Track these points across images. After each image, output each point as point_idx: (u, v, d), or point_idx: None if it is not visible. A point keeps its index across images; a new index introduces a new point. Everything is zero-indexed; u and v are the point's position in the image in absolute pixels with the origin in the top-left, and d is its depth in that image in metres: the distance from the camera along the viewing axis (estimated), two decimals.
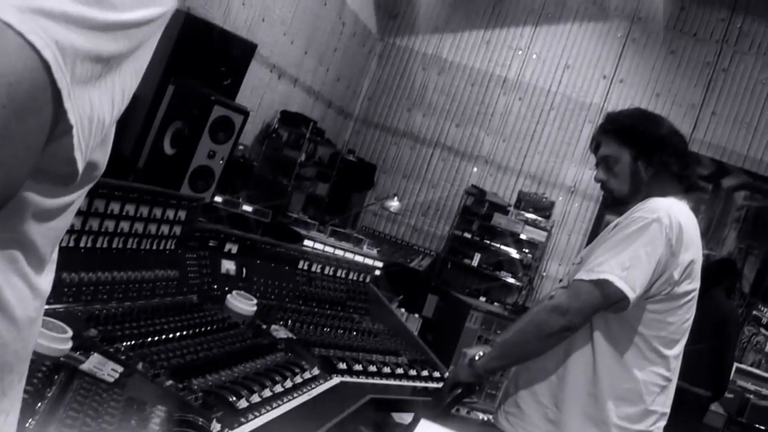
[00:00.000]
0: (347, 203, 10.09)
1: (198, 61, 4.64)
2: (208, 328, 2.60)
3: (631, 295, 2.34)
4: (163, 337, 2.33)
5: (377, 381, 2.92)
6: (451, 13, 11.06)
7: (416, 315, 5.79)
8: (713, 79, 10.11)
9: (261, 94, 8.18)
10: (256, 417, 2.07)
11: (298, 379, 2.45)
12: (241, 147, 7.33)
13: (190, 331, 2.48)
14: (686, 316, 2.54)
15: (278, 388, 2.29)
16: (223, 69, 4.83)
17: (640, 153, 2.59)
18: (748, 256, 9.85)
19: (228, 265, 3.21)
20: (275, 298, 3.30)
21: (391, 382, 2.98)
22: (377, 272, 5.93)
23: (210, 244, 3.18)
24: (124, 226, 2.59)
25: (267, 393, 2.21)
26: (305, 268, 3.58)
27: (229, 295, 2.98)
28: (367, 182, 10.57)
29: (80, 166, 0.73)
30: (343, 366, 2.81)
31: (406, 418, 3.44)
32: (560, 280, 3.05)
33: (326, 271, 3.68)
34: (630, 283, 2.34)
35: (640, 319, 2.47)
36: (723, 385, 5.92)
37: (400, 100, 11.18)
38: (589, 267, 2.43)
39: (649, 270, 2.37)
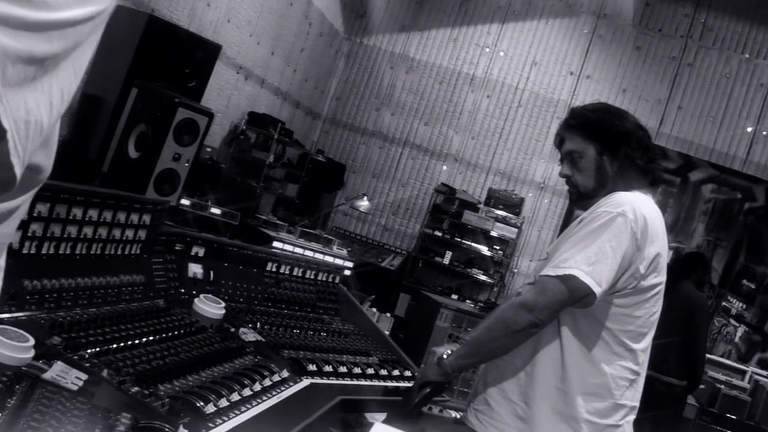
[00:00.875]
0: (317, 204, 10.06)
1: (162, 63, 4.60)
2: (175, 332, 2.57)
3: (597, 290, 2.34)
4: (129, 343, 2.29)
5: (348, 382, 2.90)
6: (418, 11, 11.06)
7: (388, 314, 5.77)
8: (679, 74, 10.19)
9: (228, 96, 8.13)
10: (224, 421, 2.04)
11: (267, 382, 2.42)
12: (208, 149, 7.28)
13: (157, 337, 2.45)
14: (653, 309, 2.54)
15: (247, 392, 2.26)
16: (187, 71, 4.78)
17: (604, 147, 2.60)
18: (716, 248, 9.95)
19: (195, 269, 3.18)
20: (243, 301, 3.28)
21: (362, 382, 2.96)
22: (347, 272, 5.92)
23: (176, 247, 3.15)
24: (87, 231, 2.56)
25: (235, 397, 2.18)
26: (273, 269, 3.55)
27: (196, 299, 2.96)
28: (336, 182, 10.55)
29: (18, 171, 0.71)
30: (312, 368, 2.79)
31: (379, 418, 3.43)
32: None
33: (295, 273, 3.66)
34: (596, 278, 2.34)
35: (607, 314, 2.47)
36: (696, 375, 5.97)
37: (369, 100, 11.17)
38: (554, 263, 2.43)
39: (614, 264, 2.37)
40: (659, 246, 2.50)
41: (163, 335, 2.49)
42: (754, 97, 9.98)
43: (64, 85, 0.74)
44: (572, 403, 2.46)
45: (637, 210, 2.43)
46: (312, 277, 3.74)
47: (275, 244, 5.55)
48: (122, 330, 2.38)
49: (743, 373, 9.18)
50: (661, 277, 2.53)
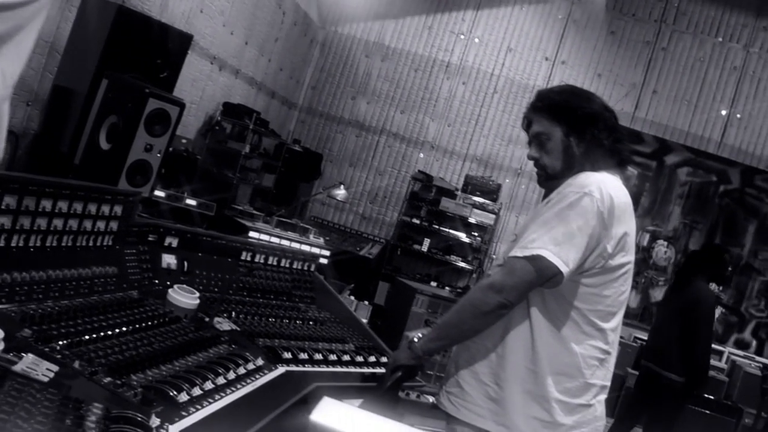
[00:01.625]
0: (294, 194, 10.03)
1: (133, 55, 4.57)
2: (149, 323, 2.56)
3: (565, 269, 2.35)
4: (101, 334, 2.28)
5: (323, 369, 2.90)
6: None
7: (366, 302, 5.78)
8: (653, 58, 10.24)
9: (202, 87, 8.09)
10: (198, 410, 2.04)
11: (242, 371, 2.42)
12: (183, 141, 7.25)
13: (130, 327, 2.44)
14: (622, 288, 2.56)
15: (221, 380, 2.26)
16: (159, 61, 4.75)
17: (571, 129, 2.61)
18: (693, 231, 10.03)
19: (169, 260, 3.17)
20: (218, 291, 3.27)
21: (338, 369, 2.96)
22: (322, 261, 5.93)
23: (149, 238, 3.13)
24: (58, 223, 2.54)
25: (209, 385, 2.18)
26: (248, 259, 3.54)
27: (170, 290, 2.94)
28: (313, 172, 10.53)
29: None
30: (287, 355, 2.79)
31: (357, 404, 3.44)
32: None
33: (270, 262, 3.65)
34: (563, 258, 2.36)
35: (575, 294, 2.48)
36: (696, 372, 5.78)
37: (344, 89, 11.15)
38: (522, 244, 2.44)
39: (581, 244, 2.39)
40: (627, 225, 2.51)
41: (137, 326, 2.48)
42: (728, 80, 10.05)
43: (5, 67, 0.73)
44: (543, 383, 2.47)
45: (603, 190, 2.44)
46: (287, 265, 3.73)
47: (251, 233, 5.54)
48: (95, 321, 2.36)
49: (720, 354, 9.28)
50: (629, 257, 2.54)
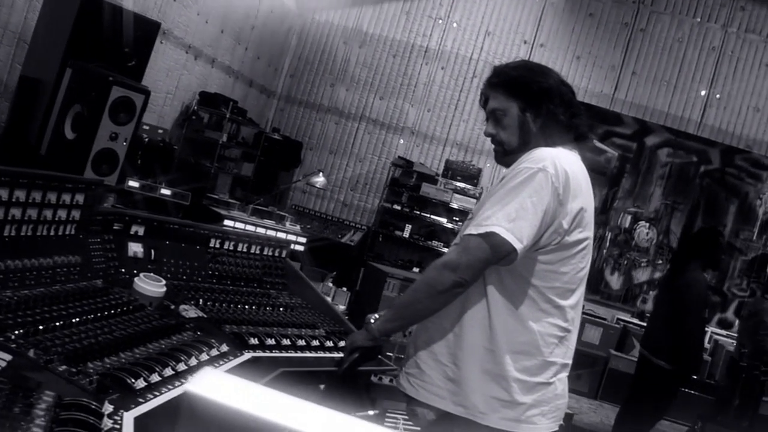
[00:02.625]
0: (274, 182, 10.00)
1: (100, 43, 4.52)
2: (112, 311, 2.53)
3: (518, 246, 2.32)
4: (60, 323, 2.25)
5: (291, 354, 2.88)
6: None
7: (344, 289, 5.77)
8: (632, 39, 10.24)
9: (178, 76, 8.03)
10: (155, 396, 2.02)
11: (204, 357, 2.40)
12: (160, 131, 7.20)
13: (91, 316, 2.41)
14: (580, 265, 2.52)
15: (181, 367, 2.24)
16: (126, 50, 4.71)
17: (527, 104, 2.58)
18: (674, 212, 10.05)
19: (135, 248, 3.14)
20: (187, 279, 3.24)
21: (307, 354, 2.94)
22: (298, 248, 5.91)
23: (115, 227, 3.10)
24: (16, 212, 2.50)
25: (168, 372, 2.16)
26: (217, 246, 3.52)
27: (136, 278, 2.92)
28: (293, 160, 10.50)
29: None
30: (254, 341, 2.77)
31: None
32: None
33: (239, 249, 3.62)
34: (517, 234, 2.32)
35: (532, 271, 2.45)
36: (685, 359, 5.66)
37: (323, 76, 11.11)
38: (477, 221, 2.40)
39: (535, 220, 2.35)
40: (583, 201, 2.47)
41: (99, 315, 2.46)
42: (707, 61, 10.05)
43: None
44: (501, 362, 2.44)
45: (558, 164, 2.40)
46: (257, 252, 3.71)
47: (226, 222, 5.52)
48: (54, 311, 2.33)
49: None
50: (587, 233, 2.51)
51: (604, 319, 9.41)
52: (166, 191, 5.59)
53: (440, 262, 2.44)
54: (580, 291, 2.58)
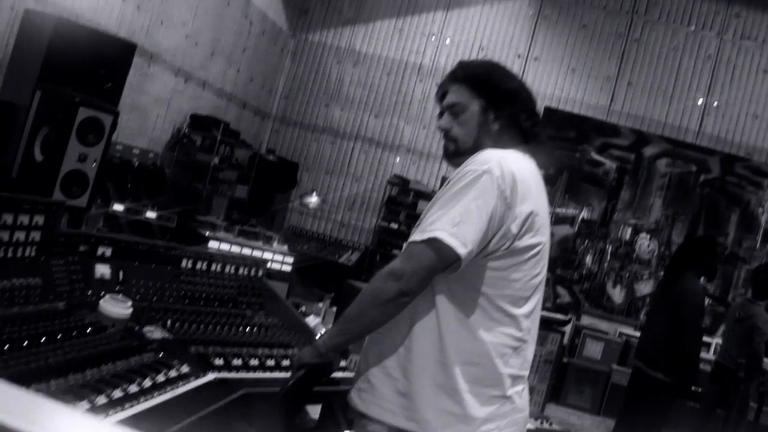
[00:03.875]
0: (270, 204, 9.95)
1: (74, 66, 4.48)
2: (70, 333, 2.47)
3: (463, 251, 2.22)
4: (7, 346, 2.19)
5: (259, 375, 2.80)
6: (362, 3, 10.98)
7: (334, 309, 5.68)
8: (626, 50, 10.19)
9: (168, 100, 8.00)
10: (99, 420, 1.94)
11: (161, 378, 2.32)
12: (151, 154, 7.17)
13: (45, 339, 2.35)
14: (533, 272, 2.42)
15: (133, 388, 2.17)
16: (102, 72, 4.67)
17: (490, 104, 2.49)
18: (675, 223, 9.96)
19: (102, 270, 3.07)
20: (157, 300, 3.17)
21: (276, 375, 2.86)
22: (282, 267, 5.84)
23: (80, 249, 3.04)
24: None
25: (117, 394, 2.09)
26: (189, 266, 3.45)
27: (101, 300, 2.85)
28: (289, 181, 10.45)
29: None
30: (219, 362, 2.69)
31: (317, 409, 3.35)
32: None
33: (213, 269, 3.55)
34: (461, 239, 2.22)
35: (482, 278, 2.35)
36: (683, 372, 5.53)
37: (317, 96, 11.08)
38: (421, 227, 2.32)
39: (481, 224, 2.25)
40: (533, 204, 2.37)
41: (54, 337, 2.39)
42: (703, 69, 10.00)
43: None
44: (452, 374, 2.34)
45: (504, 166, 2.30)
46: (232, 272, 3.63)
47: (211, 243, 5.46)
48: (6, 333, 2.27)
49: (708, 345, 9.18)
50: (539, 237, 2.40)
51: (606, 333, 9.31)
52: (151, 214, 5.54)
53: (385, 270, 2.34)
54: (536, 299, 2.47)
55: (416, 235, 2.32)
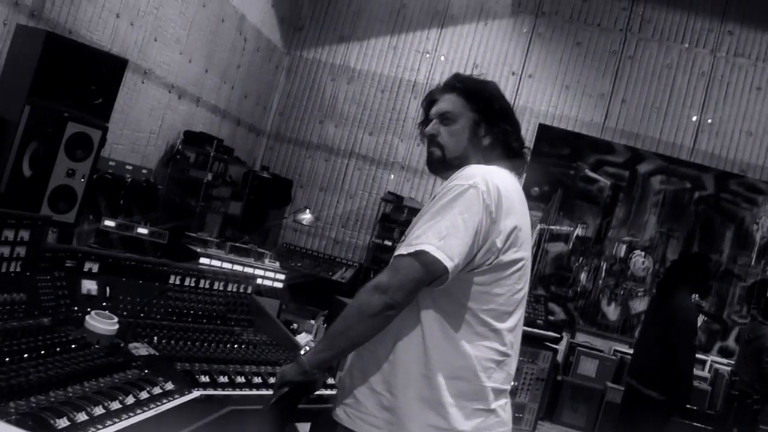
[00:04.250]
0: (264, 221, 9.92)
1: (64, 82, 4.47)
2: (54, 350, 2.44)
3: (449, 264, 2.23)
4: None
5: (246, 392, 2.77)
6: (356, 21, 10.99)
7: (325, 325, 5.66)
8: (620, 67, 10.21)
9: (161, 116, 7.99)
10: None
11: (144, 395, 2.30)
12: (144, 171, 7.15)
13: (27, 355, 2.32)
14: (516, 286, 2.44)
15: (115, 406, 2.14)
16: (93, 87, 4.65)
17: (483, 118, 2.54)
18: (670, 239, 9.94)
19: (89, 285, 3.05)
20: (144, 316, 3.14)
21: (263, 392, 2.83)
22: (277, 284, 5.82)
23: (67, 264, 3.02)
24: None
25: (99, 411, 2.06)
26: (177, 282, 3.42)
27: (87, 316, 2.83)
28: (284, 198, 10.43)
29: None
30: (205, 379, 2.66)
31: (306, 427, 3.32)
32: None
33: (202, 285, 3.53)
34: (447, 252, 2.24)
35: (467, 293, 2.37)
36: (678, 391, 5.49)
37: (312, 113, 11.07)
38: (408, 241, 2.33)
39: (467, 238, 2.27)
40: (517, 219, 2.41)
41: (37, 353, 2.37)
42: (697, 86, 10.01)
43: None
44: (436, 387, 2.34)
45: (489, 182, 2.33)
46: (221, 288, 3.61)
47: (202, 260, 5.43)
48: None
49: (703, 363, 9.16)
50: (522, 252, 2.43)
51: (601, 351, 9.27)
52: (142, 230, 5.51)
53: (371, 284, 2.33)
54: (519, 314, 2.49)
55: (402, 249, 2.32)
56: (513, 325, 2.46)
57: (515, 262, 2.39)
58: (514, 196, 2.43)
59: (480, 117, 2.54)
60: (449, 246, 2.25)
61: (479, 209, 2.29)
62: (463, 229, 2.27)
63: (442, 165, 2.59)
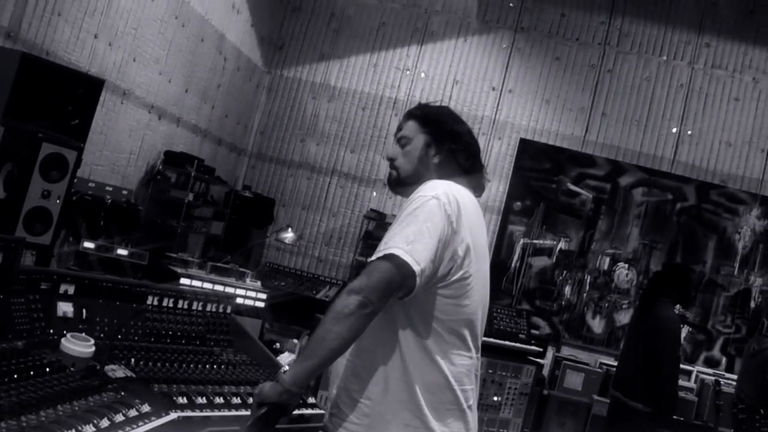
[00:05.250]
0: (246, 240, 9.88)
1: (41, 102, 4.44)
2: (27, 373, 2.41)
3: (416, 268, 2.38)
4: None
5: (225, 413, 2.74)
6: (336, 39, 11.00)
7: None
8: (600, 81, 10.25)
9: (141, 136, 7.95)
10: None
11: (119, 418, 2.27)
12: (125, 192, 7.10)
13: (0, 379, 2.29)
14: (479, 295, 2.70)
15: (89, 429, 2.11)
16: (70, 108, 4.62)
17: (433, 140, 2.79)
18: (653, 251, 9.96)
19: (65, 308, 3.02)
20: (121, 338, 3.11)
21: (242, 413, 2.80)
22: (259, 304, 5.78)
23: (42, 286, 2.99)
24: None
25: None
26: (155, 303, 3.39)
27: (63, 339, 2.79)
28: (266, 217, 10.38)
29: None
30: (183, 400, 2.64)
31: None
32: None
33: (180, 306, 3.49)
34: (415, 256, 2.39)
35: (436, 306, 2.56)
36: (663, 402, 5.50)
37: (293, 131, 11.04)
38: (379, 248, 2.47)
39: (431, 244, 2.43)
40: (473, 232, 2.62)
41: (11, 377, 2.33)
42: (676, 98, 10.06)
43: None
44: (413, 392, 2.52)
45: (449, 194, 2.54)
46: (199, 308, 3.58)
47: (183, 280, 5.39)
48: None
49: (689, 373, 9.15)
50: (477, 264, 2.63)
51: (587, 364, 9.25)
52: (122, 251, 5.48)
53: (345, 289, 2.45)
54: (479, 319, 2.71)
55: (374, 255, 2.47)
56: (478, 332, 2.73)
57: (478, 271, 2.65)
58: (471, 208, 2.64)
59: (430, 138, 2.79)
60: (416, 250, 2.40)
61: (441, 218, 2.48)
62: (428, 235, 2.44)
63: (398, 183, 2.85)
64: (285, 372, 2.42)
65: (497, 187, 10.17)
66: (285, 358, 4.59)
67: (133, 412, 2.35)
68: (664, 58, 10.11)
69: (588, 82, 10.26)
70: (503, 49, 10.51)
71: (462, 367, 2.61)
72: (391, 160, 2.87)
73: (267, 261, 10.58)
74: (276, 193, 10.91)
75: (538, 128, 10.28)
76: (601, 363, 9.42)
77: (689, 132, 10.01)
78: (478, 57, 10.57)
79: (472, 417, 2.68)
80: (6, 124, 4.17)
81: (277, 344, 5.51)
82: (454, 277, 2.55)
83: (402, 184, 2.82)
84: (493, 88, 10.49)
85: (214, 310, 3.64)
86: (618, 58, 10.23)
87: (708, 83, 10.01)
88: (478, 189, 2.83)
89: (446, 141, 2.78)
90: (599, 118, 10.19)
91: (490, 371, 5.98)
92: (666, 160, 10.03)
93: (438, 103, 3.03)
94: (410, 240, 2.41)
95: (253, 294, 5.70)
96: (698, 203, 9.89)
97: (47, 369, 2.50)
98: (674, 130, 10.03)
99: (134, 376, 2.76)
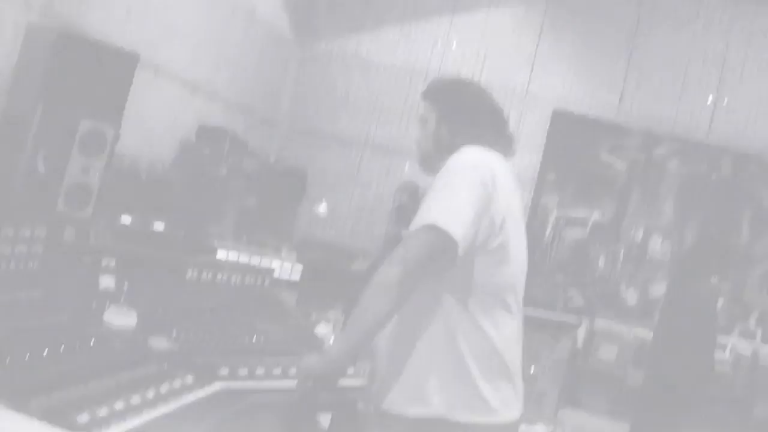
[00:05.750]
0: (279, 214, 9.91)
1: (76, 79, 4.46)
2: (74, 346, 2.45)
3: (458, 234, 2.35)
4: (8, 360, 2.17)
5: (267, 384, 2.78)
6: (366, 10, 10.94)
7: (343, 315, 5.66)
8: (634, 49, 10.15)
9: (174, 112, 7.98)
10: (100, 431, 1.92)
11: (164, 389, 2.30)
12: (159, 166, 7.15)
13: (47, 351, 2.33)
14: (519, 259, 2.68)
15: (135, 400, 2.14)
16: (105, 83, 4.65)
17: (444, 114, 2.76)
18: (687, 223, 9.87)
19: (107, 281, 3.06)
20: (162, 310, 3.15)
21: (284, 383, 2.82)
22: (290, 276, 5.82)
23: (83, 260, 3.03)
24: None
25: (119, 406, 2.06)
26: (194, 276, 3.43)
27: (106, 311, 2.84)
28: (298, 190, 10.40)
29: None
30: (225, 372, 2.66)
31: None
32: None
33: (219, 278, 3.53)
34: (452, 224, 2.36)
35: (478, 275, 2.51)
36: (698, 373, 5.57)
37: (325, 105, 11.03)
38: (416, 220, 2.46)
39: (470, 211, 2.40)
40: (511, 196, 2.61)
41: (57, 349, 2.37)
42: (712, 68, 9.93)
43: None
44: (460, 358, 2.48)
45: (482, 160, 2.55)
46: (238, 281, 3.62)
47: (219, 253, 5.43)
48: (6, 347, 2.25)
49: (723, 346, 9.10)
50: (516, 229, 2.63)
51: (621, 336, 9.22)
52: (159, 226, 5.52)
53: (386, 261, 2.44)
54: (522, 283, 2.70)
55: (412, 227, 2.47)
56: (520, 299, 2.68)
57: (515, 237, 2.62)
58: (504, 172, 2.60)
59: (441, 114, 2.76)
60: (454, 218, 2.38)
61: (477, 185, 2.45)
62: (465, 202, 2.41)
63: (425, 164, 2.83)
64: (330, 345, 2.46)
65: (530, 158, 10.10)
66: (321, 329, 4.63)
67: (177, 383, 2.38)
68: (701, 25, 9.97)
69: (621, 51, 10.14)
70: (536, 21, 10.41)
71: (508, 331, 2.59)
72: (417, 143, 2.87)
73: (299, 234, 10.62)
74: (308, 166, 10.92)
75: (572, 98, 10.19)
76: (635, 335, 9.39)
77: (725, 102, 9.88)
78: (510, 29, 10.48)
79: (519, 381, 2.66)
80: (44, 102, 4.22)
81: (313, 315, 5.55)
82: (495, 244, 2.51)
83: (429, 164, 2.80)
84: (526, 60, 10.41)
85: (251, 282, 3.68)
86: (653, 25, 10.10)
87: (745, 51, 9.86)
88: (508, 151, 2.77)
89: (458, 112, 2.75)
90: (633, 87, 10.08)
91: (525, 343, 5.98)
92: (702, 130, 9.91)
93: (454, 77, 3.09)
94: (447, 208, 2.40)
95: (288, 266, 5.75)
96: (734, 174, 9.78)
97: (91, 341, 2.54)
98: (710, 99, 9.90)
99: (176, 347, 2.80)
